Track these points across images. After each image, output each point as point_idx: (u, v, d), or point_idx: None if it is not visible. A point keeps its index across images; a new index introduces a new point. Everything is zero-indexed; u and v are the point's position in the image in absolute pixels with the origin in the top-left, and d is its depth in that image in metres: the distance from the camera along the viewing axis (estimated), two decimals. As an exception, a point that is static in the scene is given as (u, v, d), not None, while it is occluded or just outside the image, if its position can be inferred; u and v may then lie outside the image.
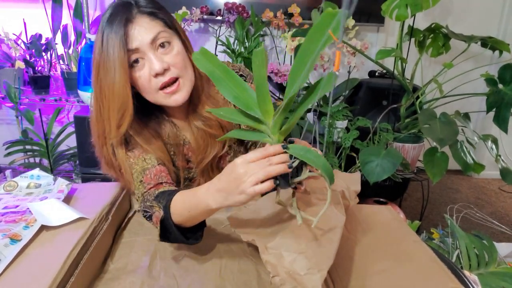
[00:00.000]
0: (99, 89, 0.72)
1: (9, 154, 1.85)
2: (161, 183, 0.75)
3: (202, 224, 0.70)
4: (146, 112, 0.80)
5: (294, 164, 0.52)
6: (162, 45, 0.72)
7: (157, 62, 0.70)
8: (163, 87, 0.73)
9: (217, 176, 0.58)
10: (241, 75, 0.86)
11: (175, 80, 0.73)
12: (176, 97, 0.74)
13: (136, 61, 0.71)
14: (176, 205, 0.66)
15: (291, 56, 2.13)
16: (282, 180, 0.54)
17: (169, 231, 0.67)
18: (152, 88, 0.73)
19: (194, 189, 0.63)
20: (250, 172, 0.52)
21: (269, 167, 0.51)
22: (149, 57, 0.71)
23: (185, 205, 0.64)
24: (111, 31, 0.68)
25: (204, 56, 0.61)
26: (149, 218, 0.72)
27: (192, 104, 0.80)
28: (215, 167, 0.88)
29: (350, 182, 0.76)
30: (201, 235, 0.70)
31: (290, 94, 0.49)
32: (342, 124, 1.77)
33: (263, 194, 0.72)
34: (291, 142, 0.56)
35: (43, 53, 1.94)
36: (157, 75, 0.71)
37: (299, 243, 0.57)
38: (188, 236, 0.69)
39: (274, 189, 0.55)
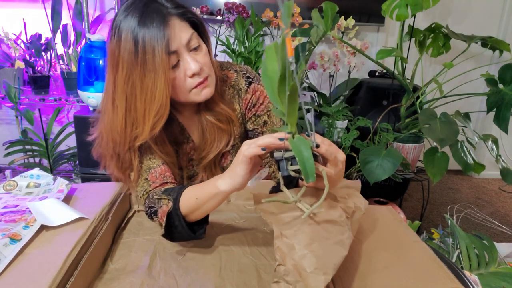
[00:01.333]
0: (130, 93, 0.70)
1: (8, 154, 1.85)
2: (166, 182, 0.77)
3: (205, 220, 0.72)
4: None
5: (288, 154, 0.54)
6: (195, 48, 0.73)
7: (194, 62, 0.71)
8: (196, 86, 0.74)
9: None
10: (247, 77, 0.87)
11: (206, 78, 0.75)
12: (206, 91, 0.76)
13: (175, 65, 0.71)
14: (185, 196, 0.68)
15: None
16: (280, 166, 0.56)
17: (175, 225, 0.69)
18: (186, 88, 0.74)
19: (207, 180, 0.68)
20: (246, 145, 0.58)
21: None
22: (184, 58, 0.71)
23: (194, 192, 0.67)
24: (148, 33, 0.67)
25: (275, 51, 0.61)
26: (154, 214, 0.73)
27: (205, 101, 0.81)
28: (217, 163, 0.89)
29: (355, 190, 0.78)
30: (203, 231, 0.72)
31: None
32: (342, 124, 1.77)
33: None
34: (317, 146, 0.58)
35: (43, 53, 1.94)
36: (193, 75, 0.73)
37: (312, 241, 0.57)
38: (195, 229, 0.71)
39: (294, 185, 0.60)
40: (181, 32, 0.70)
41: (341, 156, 0.59)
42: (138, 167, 0.79)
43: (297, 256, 0.55)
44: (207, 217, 0.73)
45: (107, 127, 0.76)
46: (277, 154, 0.55)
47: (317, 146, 0.54)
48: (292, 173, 0.56)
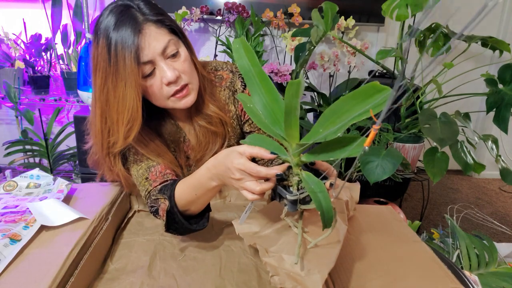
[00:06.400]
0: (105, 100, 0.70)
1: (8, 154, 1.85)
2: (167, 180, 0.77)
3: (206, 209, 0.73)
4: (148, 113, 0.81)
5: (302, 195, 0.54)
6: (173, 55, 0.72)
7: (170, 70, 0.70)
8: (173, 94, 0.73)
9: (214, 158, 0.62)
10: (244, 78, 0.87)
11: (184, 86, 0.74)
12: (186, 100, 0.75)
13: (150, 73, 0.70)
14: (180, 192, 0.69)
15: (291, 56, 2.13)
16: (290, 205, 0.55)
17: (175, 221, 0.70)
18: (163, 96, 0.73)
19: (194, 173, 0.67)
20: (241, 181, 0.58)
21: (253, 186, 0.56)
22: (160, 66, 0.70)
23: (190, 188, 0.67)
24: (120, 41, 0.66)
25: (244, 47, 0.58)
26: (156, 212, 0.74)
27: (195, 104, 0.80)
28: None
29: (352, 191, 0.77)
30: (207, 219, 0.74)
31: (315, 139, 0.50)
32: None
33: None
34: (312, 164, 0.57)
35: (43, 53, 1.94)
36: (169, 83, 0.71)
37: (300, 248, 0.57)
38: (192, 222, 0.72)
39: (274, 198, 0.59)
40: (155, 41, 0.68)
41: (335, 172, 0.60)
42: (122, 171, 0.79)
43: (288, 265, 0.55)
44: (209, 205, 0.73)
45: (92, 131, 0.77)
46: (290, 197, 0.54)
47: (331, 185, 0.53)
48: (300, 210, 0.56)
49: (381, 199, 1.77)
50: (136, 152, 0.79)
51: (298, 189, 0.55)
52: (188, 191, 0.68)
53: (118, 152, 0.76)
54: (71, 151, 1.98)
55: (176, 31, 0.74)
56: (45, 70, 1.96)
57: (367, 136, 0.42)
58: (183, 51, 0.74)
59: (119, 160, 0.78)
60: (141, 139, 0.76)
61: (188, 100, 0.75)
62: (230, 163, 0.57)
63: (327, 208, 0.49)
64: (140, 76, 0.69)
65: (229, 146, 0.88)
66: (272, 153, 0.55)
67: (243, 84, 0.86)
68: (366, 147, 0.42)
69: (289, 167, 0.56)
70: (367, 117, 0.44)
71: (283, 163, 0.57)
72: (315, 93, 2.03)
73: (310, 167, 0.59)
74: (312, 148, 0.54)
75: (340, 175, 1.56)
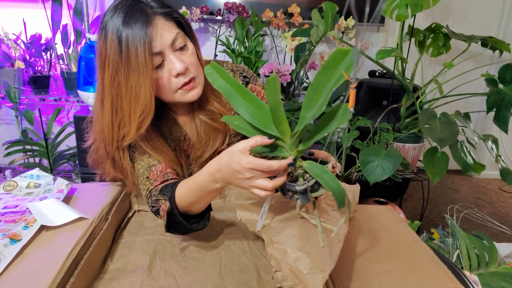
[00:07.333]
0: (116, 93, 0.71)
1: (8, 154, 1.85)
2: (167, 179, 0.77)
3: (207, 209, 0.73)
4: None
5: (310, 183, 0.54)
6: (181, 48, 0.73)
7: (178, 62, 0.71)
8: (181, 87, 0.74)
9: (217, 162, 0.61)
10: (244, 77, 0.87)
11: (192, 78, 0.75)
12: (193, 93, 0.76)
13: (159, 65, 0.71)
14: (181, 194, 0.69)
15: (291, 56, 2.13)
16: (302, 196, 0.56)
17: (176, 221, 0.70)
18: (171, 88, 0.74)
19: (196, 175, 0.66)
20: (251, 180, 0.57)
21: (265, 183, 0.56)
22: (169, 58, 0.71)
23: (192, 191, 0.67)
24: (131, 33, 0.67)
25: (216, 70, 0.61)
26: (157, 212, 0.74)
27: (198, 100, 0.80)
28: None
29: (352, 193, 0.78)
30: (207, 219, 0.73)
31: (305, 122, 0.51)
32: (342, 124, 1.77)
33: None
34: (311, 154, 0.58)
35: (43, 53, 1.94)
36: (178, 75, 0.72)
37: (304, 242, 0.58)
38: (193, 221, 0.72)
39: (276, 190, 0.59)
40: (165, 32, 0.70)
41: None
42: (130, 166, 0.79)
43: (291, 259, 0.55)
44: (210, 204, 0.73)
45: (97, 127, 0.77)
46: (300, 187, 0.55)
47: (333, 167, 0.55)
48: (312, 198, 0.57)
49: (381, 199, 1.77)
50: (137, 150, 0.79)
51: (304, 180, 0.56)
52: (189, 194, 0.68)
53: (127, 146, 0.76)
54: (71, 151, 1.98)
55: (183, 25, 0.75)
56: (45, 70, 1.96)
57: (347, 101, 0.45)
58: (190, 45, 0.75)
59: (128, 155, 0.78)
60: (145, 134, 0.76)
61: (195, 93, 0.76)
62: (237, 164, 0.57)
63: (337, 187, 0.50)
64: (152, 67, 0.70)
65: (229, 144, 0.88)
66: (270, 137, 0.56)
67: (244, 83, 0.87)
68: (351, 109, 0.45)
69: (290, 164, 0.56)
70: (343, 80, 0.47)
71: None
72: (315, 93, 2.03)
73: (309, 158, 0.60)
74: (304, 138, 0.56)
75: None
